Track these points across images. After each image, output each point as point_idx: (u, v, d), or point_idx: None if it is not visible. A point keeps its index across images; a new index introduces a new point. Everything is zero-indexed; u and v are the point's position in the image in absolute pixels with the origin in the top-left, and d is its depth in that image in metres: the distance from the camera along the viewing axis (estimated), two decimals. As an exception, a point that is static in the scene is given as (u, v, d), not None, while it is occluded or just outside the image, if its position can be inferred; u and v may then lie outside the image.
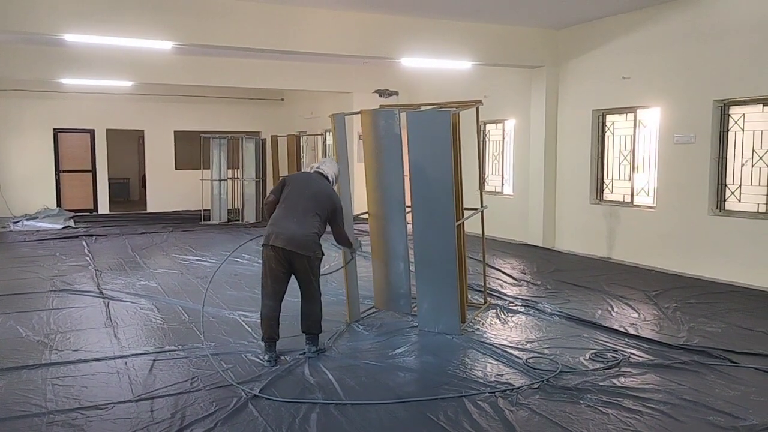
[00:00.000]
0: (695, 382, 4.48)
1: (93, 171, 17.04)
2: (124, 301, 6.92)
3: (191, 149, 17.35)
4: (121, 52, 11.71)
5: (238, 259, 9.15)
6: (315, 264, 5.02)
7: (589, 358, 5.00)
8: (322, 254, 5.08)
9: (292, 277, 5.04)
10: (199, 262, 9.41)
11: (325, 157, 16.81)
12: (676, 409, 4.02)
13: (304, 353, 5.07)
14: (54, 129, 16.48)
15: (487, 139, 12.41)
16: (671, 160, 8.64)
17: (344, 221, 5.35)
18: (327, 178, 5.30)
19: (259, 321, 5.07)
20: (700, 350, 5.14)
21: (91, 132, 16.90)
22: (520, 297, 7.07)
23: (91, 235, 12.25)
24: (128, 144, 19.75)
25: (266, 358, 4.90)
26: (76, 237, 12.08)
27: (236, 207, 15.68)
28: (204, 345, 5.27)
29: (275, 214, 5.04)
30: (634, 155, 9.40)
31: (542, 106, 10.51)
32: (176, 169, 17.89)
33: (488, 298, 6.83)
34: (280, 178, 5.35)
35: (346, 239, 5.46)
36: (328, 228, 5.21)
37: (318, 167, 5.39)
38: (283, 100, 18.99)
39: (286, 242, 4.84)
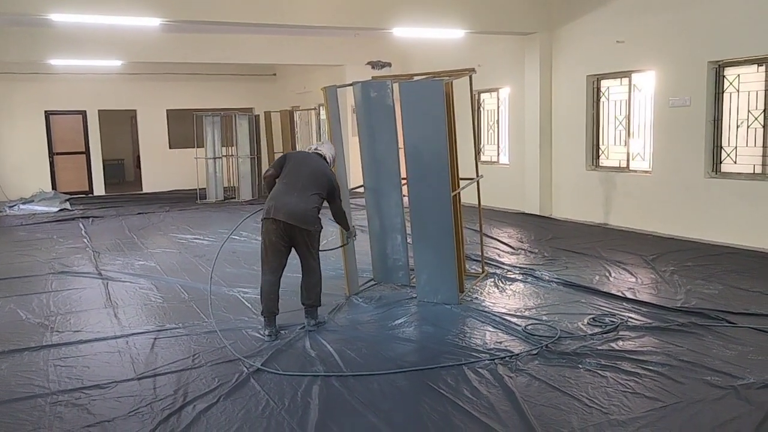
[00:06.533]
0: (693, 343, 4.52)
1: (87, 153, 16.90)
2: (123, 282, 6.93)
3: (184, 128, 17.22)
4: (109, 32, 11.55)
5: (236, 237, 9.15)
6: (315, 237, 5.04)
7: (588, 323, 5.03)
8: (321, 227, 5.09)
9: (292, 251, 5.05)
10: (196, 241, 9.41)
11: (320, 132, 16.73)
12: (675, 370, 4.06)
13: (304, 327, 5.09)
14: (45, 111, 16.32)
15: (482, 109, 12.34)
16: (667, 123, 8.61)
17: (342, 199, 5.37)
18: (325, 159, 5.32)
19: (259, 296, 5.09)
20: (698, 312, 5.17)
21: (83, 113, 16.74)
22: (517, 265, 7.09)
23: (88, 217, 12.22)
24: (121, 125, 19.59)
25: (266, 332, 4.93)
26: (73, 219, 12.05)
27: (232, 185, 15.63)
28: (206, 322, 5.29)
29: (275, 190, 5.06)
30: (629, 120, 9.35)
31: (536, 73, 10.42)
32: (170, 148, 17.76)
33: (486, 268, 6.85)
34: (281, 155, 5.40)
35: (343, 217, 5.51)
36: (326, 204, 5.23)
37: (316, 148, 5.40)
38: (275, 75, 18.80)
39: (287, 216, 4.85)
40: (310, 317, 5.14)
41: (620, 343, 4.58)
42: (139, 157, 18.12)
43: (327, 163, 5.33)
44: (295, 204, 4.89)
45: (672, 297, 5.69)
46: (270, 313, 4.98)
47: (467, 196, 7.00)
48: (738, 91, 7.85)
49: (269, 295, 4.99)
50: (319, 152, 5.35)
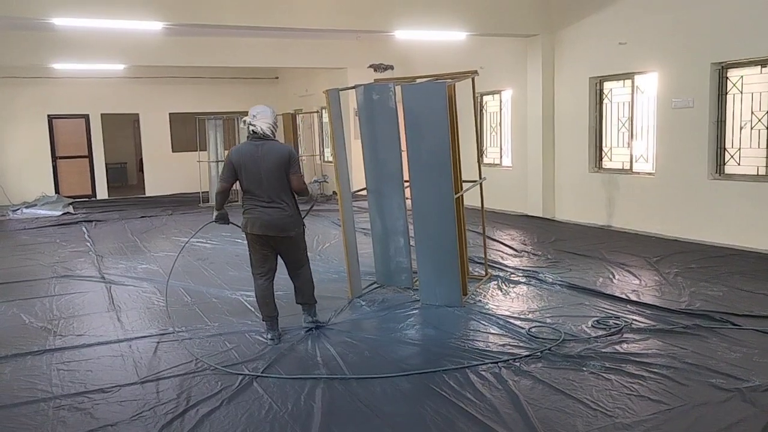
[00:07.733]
0: (697, 345, 4.50)
1: (89, 156, 16.96)
2: (126, 285, 6.93)
3: (187, 131, 17.25)
4: (112, 35, 11.58)
5: (239, 240, 9.12)
6: (299, 239, 5.00)
7: (592, 325, 5.01)
8: (304, 227, 5.03)
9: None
10: (199, 244, 9.39)
11: (323, 135, 16.70)
12: (679, 372, 4.04)
13: (309, 329, 5.09)
14: (48, 115, 16.36)
15: (484, 111, 12.33)
16: (670, 125, 8.59)
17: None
18: (267, 137, 4.82)
19: (256, 301, 5.08)
20: (702, 314, 5.15)
21: (86, 117, 16.78)
22: (521, 268, 7.07)
23: (91, 221, 12.24)
24: (124, 128, 19.63)
25: (269, 336, 4.92)
26: (76, 223, 12.06)
27: (234, 188, 15.58)
28: (209, 326, 5.28)
29: (246, 205, 4.86)
30: (632, 122, 9.33)
31: (539, 75, 10.41)
32: (173, 151, 17.82)
33: (489, 270, 6.83)
34: (226, 161, 4.92)
35: (304, 187, 4.92)
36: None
37: (252, 125, 4.83)
38: (277, 78, 18.83)
39: (263, 229, 4.80)
40: (306, 314, 5.17)
41: (624, 345, 4.56)
42: (141, 160, 18.16)
43: (272, 138, 4.83)
44: (269, 215, 4.78)
45: (676, 299, 5.66)
46: (269, 316, 4.97)
47: (470, 199, 6.99)
48: (741, 92, 7.83)
49: (264, 299, 4.98)
50: (257, 132, 4.78)
